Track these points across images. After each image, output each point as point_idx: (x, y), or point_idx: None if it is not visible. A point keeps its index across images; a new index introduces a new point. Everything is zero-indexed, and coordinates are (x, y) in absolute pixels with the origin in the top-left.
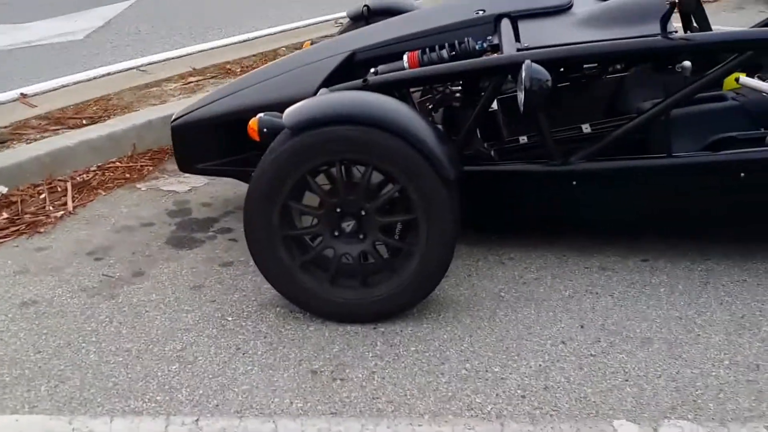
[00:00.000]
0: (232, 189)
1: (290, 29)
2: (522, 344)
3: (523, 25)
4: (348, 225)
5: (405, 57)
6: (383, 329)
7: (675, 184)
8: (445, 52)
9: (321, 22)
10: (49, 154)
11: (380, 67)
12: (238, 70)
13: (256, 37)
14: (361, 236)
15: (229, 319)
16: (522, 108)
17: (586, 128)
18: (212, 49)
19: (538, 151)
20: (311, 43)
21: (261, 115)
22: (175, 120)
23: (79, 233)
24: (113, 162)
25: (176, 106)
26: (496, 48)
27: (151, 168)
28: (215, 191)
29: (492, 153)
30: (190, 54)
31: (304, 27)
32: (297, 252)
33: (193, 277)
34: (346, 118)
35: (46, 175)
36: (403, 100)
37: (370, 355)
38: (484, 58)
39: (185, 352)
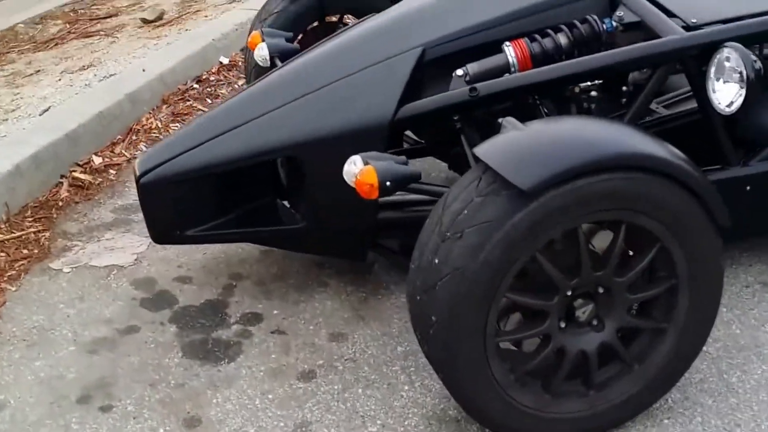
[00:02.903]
0: (194, 248)
1: None
2: None
3: None
4: (584, 311)
5: (509, 50)
6: None
7: None
8: (562, 38)
9: None
10: None
11: (471, 66)
12: None
13: None
14: (594, 323)
15: None
16: (738, 106)
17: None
18: None
19: None
20: (261, 36)
21: (371, 162)
22: (144, 174)
23: (33, 367)
24: None
25: None
26: (633, 26)
27: (47, 234)
28: (175, 256)
29: None
30: None
31: None
32: (514, 363)
33: (282, 410)
34: (607, 164)
35: None
36: (534, 111)
37: None
38: (657, 42)
39: None
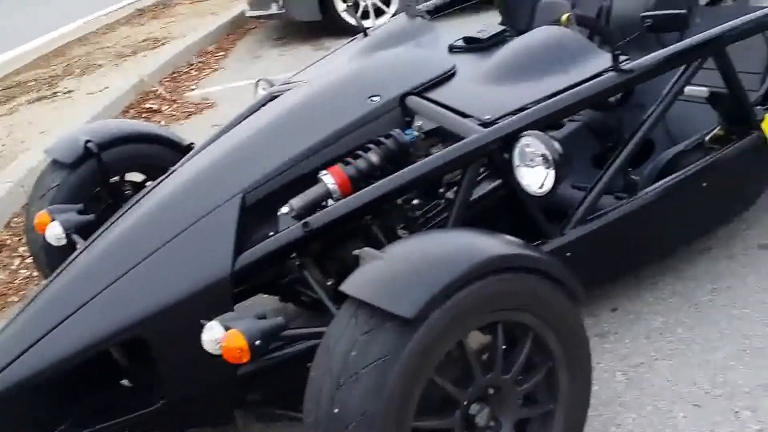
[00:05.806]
0: None
1: None
2: None
3: (441, 98)
4: (482, 416)
5: (327, 178)
6: None
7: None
8: (373, 156)
9: None
10: None
11: (294, 201)
12: None
13: None
14: (492, 424)
15: None
16: (550, 186)
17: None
18: None
19: None
20: (49, 215)
21: (232, 324)
22: None
23: None
24: None
25: None
26: (432, 133)
27: None
28: None
29: None
30: None
31: None
32: None
33: None
34: (479, 271)
35: None
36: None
37: None
38: (462, 143)
39: None
